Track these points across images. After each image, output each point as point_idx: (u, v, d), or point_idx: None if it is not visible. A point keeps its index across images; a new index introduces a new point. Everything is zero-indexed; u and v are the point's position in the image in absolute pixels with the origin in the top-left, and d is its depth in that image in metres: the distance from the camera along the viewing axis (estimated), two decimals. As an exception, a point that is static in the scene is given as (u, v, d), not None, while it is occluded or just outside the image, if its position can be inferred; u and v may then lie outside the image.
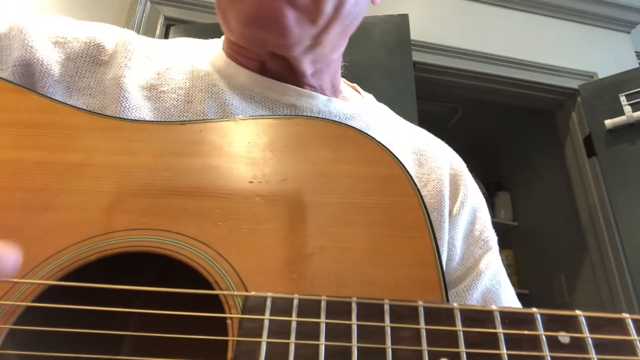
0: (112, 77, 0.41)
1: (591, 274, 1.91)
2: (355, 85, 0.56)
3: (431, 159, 0.49)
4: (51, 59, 0.40)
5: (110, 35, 0.44)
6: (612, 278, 1.75)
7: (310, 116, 0.35)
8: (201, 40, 0.50)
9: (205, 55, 0.47)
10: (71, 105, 0.35)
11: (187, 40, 0.50)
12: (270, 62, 0.44)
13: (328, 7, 0.39)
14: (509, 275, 0.49)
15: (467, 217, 0.48)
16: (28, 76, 0.39)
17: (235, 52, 0.45)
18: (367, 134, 0.33)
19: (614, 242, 1.74)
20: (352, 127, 0.33)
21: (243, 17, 0.38)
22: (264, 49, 0.42)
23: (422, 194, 0.31)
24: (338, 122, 0.34)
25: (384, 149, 0.32)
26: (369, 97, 0.54)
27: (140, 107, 0.40)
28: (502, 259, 0.50)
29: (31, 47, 0.39)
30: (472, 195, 0.49)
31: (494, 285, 0.46)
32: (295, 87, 0.44)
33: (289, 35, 0.39)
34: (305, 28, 0.39)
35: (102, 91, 0.41)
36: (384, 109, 0.54)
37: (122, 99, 0.40)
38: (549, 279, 2.34)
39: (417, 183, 0.31)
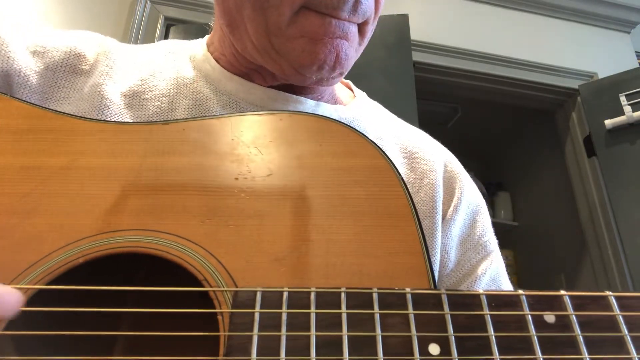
0: (92, 85, 0.41)
1: (591, 274, 1.91)
2: (348, 82, 0.55)
3: (423, 162, 0.47)
4: (29, 69, 0.39)
5: (92, 44, 0.44)
6: (612, 278, 1.75)
7: (293, 111, 0.36)
8: (184, 41, 0.50)
9: (190, 59, 0.46)
10: (52, 110, 0.35)
11: (171, 43, 0.49)
12: (269, 78, 0.43)
13: (369, 33, 0.41)
14: (509, 274, 0.48)
15: (462, 221, 0.46)
16: (6, 87, 0.38)
17: (234, 63, 0.44)
18: (349, 126, 0.33)
19: (614, 242, 1.74)
20: (334, 120, 0.34)
21: (318, 61, 0.37)
22: (304, 82, 0.42)
23: (415, 200, 0.32)
24: (320, 115, 0.34)
25: (367, 140, 0.33)
26: (361, 95, 0.53)
27: (121, 115, 0.40)
28: (502, 259, 0.48)
29: (9, 57, 0.39)
30: (469, 198, 0.48)
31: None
32: (282, 92, 0.43)
33: (344, 72, 0.40)
34: (351, 60, 0.40)
35: (81, 100, 0.40)
36: (375, 108, 0.53)
37: (103, 107, 0.39)
38: (549, 279, 2.33)
39: (409, 189, 0.31)
